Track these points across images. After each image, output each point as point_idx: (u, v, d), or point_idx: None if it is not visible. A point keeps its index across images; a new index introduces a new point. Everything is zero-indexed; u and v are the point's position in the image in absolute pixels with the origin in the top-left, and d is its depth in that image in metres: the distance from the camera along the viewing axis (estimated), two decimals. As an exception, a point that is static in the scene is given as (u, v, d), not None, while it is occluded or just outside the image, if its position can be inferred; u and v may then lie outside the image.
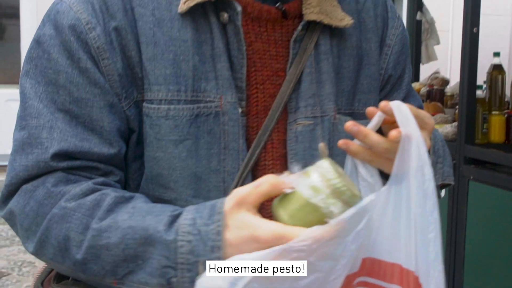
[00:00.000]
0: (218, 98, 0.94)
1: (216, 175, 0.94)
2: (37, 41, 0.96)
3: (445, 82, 3.72)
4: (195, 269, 0.80)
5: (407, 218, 0.81)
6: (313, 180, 0.79)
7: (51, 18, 0.97)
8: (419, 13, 4.25)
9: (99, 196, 0.90)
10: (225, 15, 0.95)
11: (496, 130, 2.93)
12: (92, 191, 0.91)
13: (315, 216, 0.77)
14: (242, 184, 0.92)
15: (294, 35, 0.98)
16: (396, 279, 0.83)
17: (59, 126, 0.93)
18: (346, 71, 1.03)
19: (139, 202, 0.90)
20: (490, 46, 4.36)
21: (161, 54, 0.94)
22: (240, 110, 0.95)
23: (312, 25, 0.99)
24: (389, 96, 1.11)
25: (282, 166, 0.98)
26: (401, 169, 0.82)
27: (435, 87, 3.65)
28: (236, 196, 0.82)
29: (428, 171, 0.81)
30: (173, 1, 0.96)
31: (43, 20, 0.99)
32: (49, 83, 0.94)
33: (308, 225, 0.77)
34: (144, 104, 0.95)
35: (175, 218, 0.84)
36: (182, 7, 0.94)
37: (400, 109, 0.82)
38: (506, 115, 2.96)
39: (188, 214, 0.84)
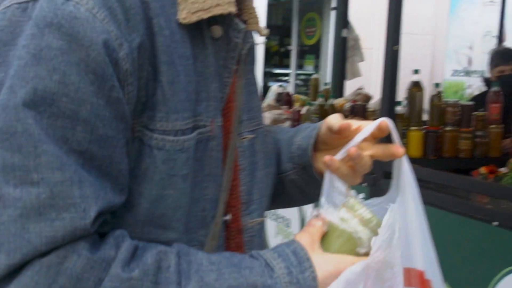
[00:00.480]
0: (209, 122, 0.85)
1: (196, 204, 0.86)
2: (36, 56, 0.72)
3: (368, 98, 3.81)
4: None
5: (409, 223, 0.92)
6: (341, 213, 0.88)
7: (58, 24, 0.73)
8: (345, 30, 4.35)
9: (156, 256, 0.77)
10: (219, 29, 0.87)
11: (414, 145, 3.02)
12: (135, 249, 0.77)
13: (349, 245, 0.86)
14: (226, 210, 0.91)
15: (248, 46, 0.93)
16: (414, 282, 0.92)
17: (85, 177, 0.73)
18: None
19: (206, 254, 0.81)
20: (413, 64, 4.50)
21: (177, 76, 0.80)
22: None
23: None
24: None
25: (239, 184, 0.95)
26: (402, 180, 0.93)
27: (358, 102, 3.74)
28: (306, 238, 0.85)
29: (411, 179, 0.93)
30: (169, 9, 0.82)
31: (37, 25, 0.73)
32: (60, 116, 0.72)
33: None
34: (156, 135, 0.80)
35: (268, 268, 0.81)
36: (190, 17, 0.82)
37: (392, 126, 0.92)
38: (424, 131, 3.06)
39: (278, 262, 0.82)
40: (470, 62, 7.10)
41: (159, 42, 0.79)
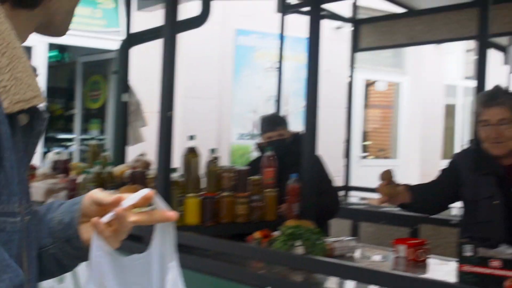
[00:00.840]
0: (19, 205, 0.90)
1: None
2: None
3: (148, 164, 3.72)
4: None
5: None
6: None
7: None
8: (125, 95, 4.26)
9: None
10: (25, 117, 0.92)
11: (191, 212, 2.97)
12: None
13: None
14: None
15: (44, 127, 0.99)
16: None
17: None
18: None
19: None
20: (200, 128, 4.51)
21: (14, 161, 0.87)
22: None
23: None
24: None
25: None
26: (172, 243, 1.07)
27: (138, 169, 3.63)
28: None
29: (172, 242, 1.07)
30: None
31: None
32: None
33: None
34: None
35: None
36: (12, 107, 0.86)
37: (157, 196, 1.05)
38: (201, 197, 3.03)
39: None
40: (255, 125, 7.37)
41: (2, 130, 0.83)
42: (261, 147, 3.71)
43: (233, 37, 7.30)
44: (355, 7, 5.90)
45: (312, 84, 3.31)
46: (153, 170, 3.65)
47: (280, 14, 5.24)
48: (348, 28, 8.51)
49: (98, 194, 1.07)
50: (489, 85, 3.86)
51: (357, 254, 3.09)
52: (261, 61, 7.46)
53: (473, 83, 11.70)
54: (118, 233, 1.04)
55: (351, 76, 5.89)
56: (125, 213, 1.02)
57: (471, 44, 11.37)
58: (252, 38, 7.45)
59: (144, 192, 1.03)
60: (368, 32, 5.70)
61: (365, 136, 9.40)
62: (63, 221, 1.10)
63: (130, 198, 1.02)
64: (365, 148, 9.30)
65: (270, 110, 7.30)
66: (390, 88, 9.82)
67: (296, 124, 7.11)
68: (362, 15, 6.37)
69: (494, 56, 10.72)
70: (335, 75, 7.83)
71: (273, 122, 3.89)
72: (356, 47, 5.82)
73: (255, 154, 6.23)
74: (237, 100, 7.20)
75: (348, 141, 5.75)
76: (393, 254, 2.99)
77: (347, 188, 5.63)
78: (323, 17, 4.02)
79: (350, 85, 5.90)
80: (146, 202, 1.03)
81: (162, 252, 1.05)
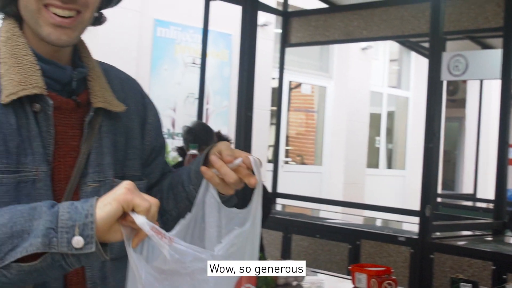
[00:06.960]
0: (35, 169, 1.18)
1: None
2: None
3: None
4: (72, 231, 1.01)
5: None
6: None
7: None
8: None
9: None
10: (38, 106, 1.20)
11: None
12: None
13: None
14: None
15: (87, 119, 1.26)
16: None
17: None
18: (119, 145, 1.33)
19: None
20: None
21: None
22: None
23: (97, 111, 1.28)
24: (156, 160, 1.43)
25: None
26: (255, 206, 1.20)
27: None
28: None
29: (259, 207, 1.21)
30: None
31: None
32: None
33: None
34: None
35: (54, 204, 1.05)
36: (5, 99, 1.17)
37: (256, 163, 1.22)
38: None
39: (66, 203, 1.05)
40: (173, 124, 6.84)
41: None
42: (182, 152, 3.31)
43: (152, 27, 6.72)
44: (285, 0, 5.48)
45: (247, 84, 2.94)
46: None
47: (203, 3, 4.76)
48: (273, 26, 8.07)
49: (223, 147, 1.26)
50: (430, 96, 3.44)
51: (306, 283, 2.60)
52: (181, 55, 6.91)
53: (397, 92, 11.53)
54: (226, 181, 1.23)
55: (280, 75, 5.44)
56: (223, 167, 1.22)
57: (395, 54, 11.26)
58: (172, 30, 6.89)
59: (249, 157, 1.23)
60: (299, 27, 5.27)
61: (287, 140, 9.02)
62: (196, 170, 1.32)
63: (239, 159, 1.21)
64: (287, 153, 8.91)
65: (189, 108, 6.77)
66: (315, 92, 9.49)
67: (216, 124, 6.60)
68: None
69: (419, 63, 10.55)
70: (257, 75, 7.38)
71: (208, 136, 3.45)
72: (285, 42, 5.37)
73: (174, 155, 5.62)
74: (154, 96, 6.62)
75: (276, 146, 5.30)
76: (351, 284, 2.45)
77: (274, 195, 5.16)
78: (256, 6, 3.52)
79: (280, 85, 5.46)
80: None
81: (254, 213, 1.19)
